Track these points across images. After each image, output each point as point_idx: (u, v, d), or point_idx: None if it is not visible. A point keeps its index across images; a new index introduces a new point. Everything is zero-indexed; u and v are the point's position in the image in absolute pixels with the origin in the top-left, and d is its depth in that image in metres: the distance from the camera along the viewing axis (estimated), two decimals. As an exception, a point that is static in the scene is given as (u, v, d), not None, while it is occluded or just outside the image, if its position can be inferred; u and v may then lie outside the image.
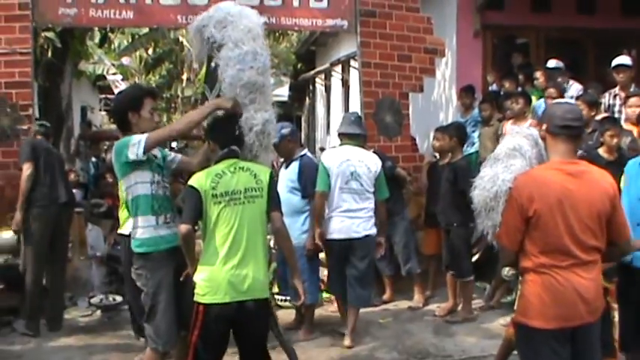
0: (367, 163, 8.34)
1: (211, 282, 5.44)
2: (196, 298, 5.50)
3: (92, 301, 9.53)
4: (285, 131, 8.32)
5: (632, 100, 9.22)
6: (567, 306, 4.36)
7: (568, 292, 4.35)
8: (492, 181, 4.95)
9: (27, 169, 8.58)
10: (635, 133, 8.77)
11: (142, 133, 5.85)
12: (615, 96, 10.26)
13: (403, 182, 9.93)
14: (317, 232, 8.26)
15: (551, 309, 4.36)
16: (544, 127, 4.61)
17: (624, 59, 10.60)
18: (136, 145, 5.72)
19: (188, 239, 5.54)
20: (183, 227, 5.48)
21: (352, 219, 8.16)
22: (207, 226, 5.52)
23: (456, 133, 9.38)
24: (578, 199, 4.36)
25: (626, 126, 8.90)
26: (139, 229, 5.91)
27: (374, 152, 9.03)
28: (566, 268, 4.36)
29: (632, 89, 10.16)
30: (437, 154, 9.92)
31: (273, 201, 5.65)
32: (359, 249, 8.20)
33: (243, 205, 5.49)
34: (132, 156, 5.74)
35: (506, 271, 7.67)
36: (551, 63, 11.54)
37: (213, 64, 6.61)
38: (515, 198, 4.47)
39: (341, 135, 8.64)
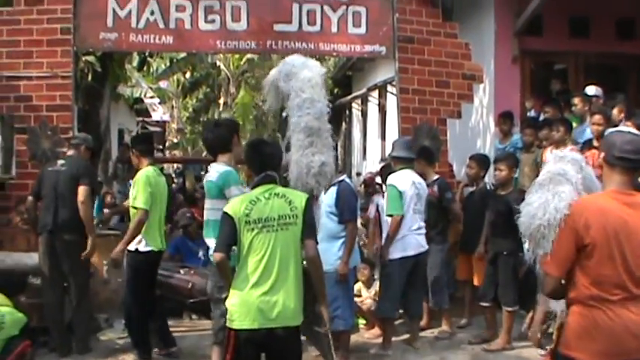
0: (424, 185, 8.98)
1: (241, 307, 5.45)
2: (227, 323, 5.56)
3: (128, 322, 9.56)
4: None
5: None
6: (616, 342, 4.18)
7: (617, 328, 4.17)
8: (543, 208, 4.85)
9: (28, 202, 9.03)
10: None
11: (237, 155, 6.96)
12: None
13: (454, 217, 9.84)
14: (385, 252, 8.71)
15: (598, 344, 4.20)
16: (602, 155, 4.52)
17: (594, 90, 10.52)
18: (239, 190, 6.54)
19: (221, 266, 5.64)
20: (217, 255, 5.56)
21: (420, 235, 8.84)
22: (241, 252, 5.53)
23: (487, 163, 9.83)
24: (634, 230, 4.21)
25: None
26: None
27: (438, 181, 9.63)
28: (617, 302, 4.18)
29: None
30: (472, 182, 10.00)
31: (308, 228, 5.61)
32: (425, 260, 8.99)
33: (277, 232, 5.48)
34: (234, 192, 6.50)
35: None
36: (590, 90, 11.42)
37: (284, 114, 7.04)
38: (570, 225, 4.31)
39: (400, 159, 8.97)
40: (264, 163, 5.78)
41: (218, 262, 5.58)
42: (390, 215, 8.71)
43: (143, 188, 8.19)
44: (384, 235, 8.98)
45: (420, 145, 10.17)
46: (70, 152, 9.05)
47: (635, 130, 4.94)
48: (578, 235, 4.23)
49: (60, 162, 8.90)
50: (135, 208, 8.24)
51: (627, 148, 4.32)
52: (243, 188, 6.64)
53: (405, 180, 8.73)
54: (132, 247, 8.18)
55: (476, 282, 9.65)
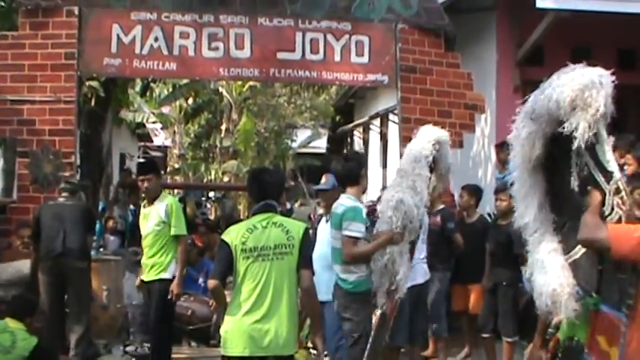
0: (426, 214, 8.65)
1: (233, 334, 5.50)
2: (221, 350, 5.62)
3: (127, 349, 9.55)
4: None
5: None
6: None
7: None
8: None
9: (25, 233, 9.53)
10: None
11: (364, 188, 7.49)
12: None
13: (457, 246, 9.78)
14: None
15: None
16: None
17: None
18: (358, 228, 7.00)
19: (216, 293, 5.73)
20: (211, 282, 5.65)
21: (426, 264, 8.72)
22: (236, 280, 5.58)
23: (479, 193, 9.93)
24: None
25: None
26: (353, 273, 7.05)
27: (442, 210, 9.60)
28: None
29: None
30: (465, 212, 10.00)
31: (304, 259, 5.63)
32: (428, 288, 8.92)
33: (272, 261, 5.50)
34: (353, 228, 6.97)
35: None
36: None
37: None
38: None
39: None
40: (264, 191, 5.81)
41: (212, 289, 5.68)
42: None
43: (181, 215, 8.61)
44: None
45: None
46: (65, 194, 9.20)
47: None
48: None
49: (61, 199, 9.16)
50: (177, 236, 8.43)
51: None
52: (363, 227, 7.05)
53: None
54: (168, 275, 8.37)
55: (472, 310, 9.63)
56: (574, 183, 4.62)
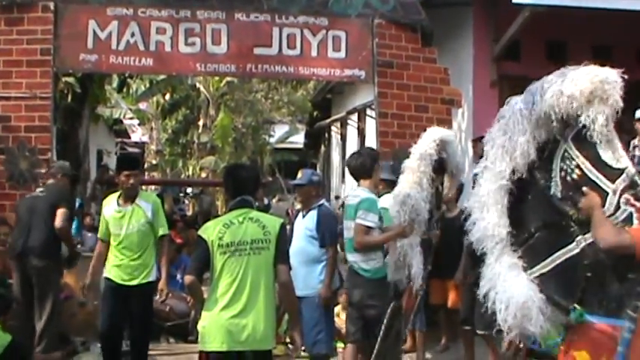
0: None
1: (211, 329, 5.51)
2: (199, 346, 5.65)
3: (104, 346, 9.50)
4: (314, 178, 8.52)
5: None
6: None
7: None
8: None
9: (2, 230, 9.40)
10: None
11: (376, 181, 7.96)
12: (635, 147, 10.23)
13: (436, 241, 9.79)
14: None
15: None
16: None
17: None
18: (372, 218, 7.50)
19: (192, 289, 5.75)
20: (187, 278, 5.65)
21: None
22: (213, 275, 5.60)
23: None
24: None
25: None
26: (373, 260, 7.57)
27: None
28: None
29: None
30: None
31: (281, 253, 5.67)
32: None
33: (249, 256, 5.53)
34: (367, 218, 7.49)
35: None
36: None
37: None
38: None
39: (385, 182, 8.91)
40: (239, 187, 5.85)
41: (188, 285, 5.68)
42: None
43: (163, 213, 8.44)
44: None
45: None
46: (50, 181, 9.09)
47: None
48: None
49: (39, 189, 9.02)
50: (163, 236, 8.25)
51: None
52: (377, 218, 7.56)
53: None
54: (153, 277, 8.16)
55: (450, 304, 9.65)
56: (555, 189, 4.59)
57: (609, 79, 4.51)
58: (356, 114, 19.61)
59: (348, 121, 21.06)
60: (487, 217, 4.84)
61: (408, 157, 9.15)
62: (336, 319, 9.30)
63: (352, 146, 20.74)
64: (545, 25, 11.89)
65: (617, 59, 13.36)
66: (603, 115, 4.41)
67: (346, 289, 9.48)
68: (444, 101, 11.24)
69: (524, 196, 4.81)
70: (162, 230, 8.16)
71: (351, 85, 18.30)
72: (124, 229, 7.96)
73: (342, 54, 10.89)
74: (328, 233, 8.16)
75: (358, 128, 19.87)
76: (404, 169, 7.98)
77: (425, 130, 9.26)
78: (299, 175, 8.44)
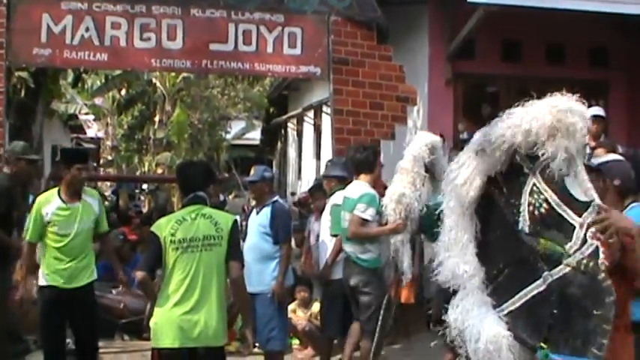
0: None
1: (163, 326, 5.52)
2: (151, 343, 5.64)
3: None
4: (267, 174, 8.47)
5: (598, 151, 9.33)
6: None
7: None
8: None
9: None
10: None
11: (377, 177, 8.44)
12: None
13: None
14: (328, 272, 8.76)
15: None
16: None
17: (599, 110, 10.73)
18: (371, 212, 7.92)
19: (143, 285, 5.76)
20: (139, 274, 5.65)
21: None
22: (165, 271, 5.61)
23: None
24: None
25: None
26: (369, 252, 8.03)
27: None
28: None
29: (601, 139, 10.29)
30: None
31: (233, 250, 5.68)
32: None
33: (201, 252, 5.54)
34: (366, 211, 7.94)
35: None
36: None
37: None
38: None
39: (337, 178, 8.99)
40: (191, 184, 5.88)
41: (139, 281, 5.69)
42: (335, 235, 8.67)
43: None
44: (322, 257, 8.98)
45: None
46: (5, 169, 8.88)
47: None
48: None
49: None
50: (108, 232, 8.10)
51: None
52: (374, 213, 7.94)
53: None
54: (95, 275, 7.75)
55: (405, 301, 9.70)
56: (524, 224, 4.53)
57: (573, 111, 4.37)
58: (312, 111, 19.64)
59: (305, 118, 21.09)
60: (453, 256, 4.71)
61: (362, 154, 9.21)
62: (291, 315, 9.33)
63: (308, 143, 20.79)
64: (500, 24, 12.02)
65: (570, 59, 13.70)
66: (563, 150, 4.36)
67: (303, 288, 9.58)
68: (399, 99, 11.28)
69: (493, 231, 4.71)
70: (105, 226, 7.90)
71: (307, 81, 18.31)
72: (74, 228, 7.37)
73: (297, 51, 10.88)
74: (282, 230, 8.18)
75: (314, 125, 19.91)
76: (397, 170, 7.98)
77: (384, 127, 9.41)
78: (252, 171, 8.45)
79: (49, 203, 7.38)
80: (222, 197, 17.38)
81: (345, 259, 8.31)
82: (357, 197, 8.02)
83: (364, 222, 7.97)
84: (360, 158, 8.31)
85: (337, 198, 8.66)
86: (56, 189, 7.57)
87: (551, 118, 4.34)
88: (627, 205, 5.51)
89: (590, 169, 4.33)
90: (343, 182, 8.84)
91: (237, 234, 5.80)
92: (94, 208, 7.60)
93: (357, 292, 8.13)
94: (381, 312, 8.00)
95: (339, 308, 8.62)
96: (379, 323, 8.00)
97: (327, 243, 8.80)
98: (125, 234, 12.82)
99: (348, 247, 8.19)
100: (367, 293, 8.06)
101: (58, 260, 7.36)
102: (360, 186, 8.18)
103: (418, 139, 8.17)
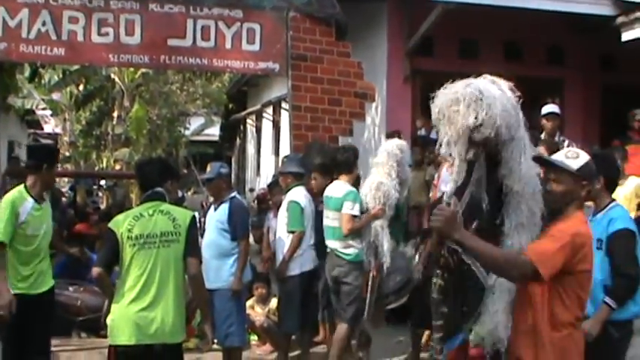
0: (312, 201, 8.93)
1: (119, 322, 5.51)
2: (108, 340, 5.61)
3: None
4: (223, 170, 8.42)
5: (539, 150, 9.52)
6: None
7: None
8: None
9: None
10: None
11: (356, 175, 8.75)
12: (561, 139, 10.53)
13: None
14: (284, 269, 8.71)
15: None
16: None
17: (554, 107, 10.86)
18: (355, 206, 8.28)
19: (99, 281, 5.75)
20: (95, 270, 5.65)
21: (314, 250, 8.88)
22: (122, 268, 5.58)
23: None
24: None
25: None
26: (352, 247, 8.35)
27: None
28: None
29: (556, 137, 10.42)
30: None
31: (191, 246, 5.66)
32: (318, 274, 9.02)
33: (158, 248, 5.53)
34: (350, 206, 8.27)
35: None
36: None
37: None
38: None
39: (294, 175, 8.99)
40: (147, 180, 5.89)
41: (96, 277, 5.67)
42: (292, 231, 8.68)
43: None
44: (278, 253, 8.98)
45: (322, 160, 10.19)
46: None
47: None
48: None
49: None
50: None
51: None
52: (359, 208, 8.31)
53: (305, 197, 8.77)
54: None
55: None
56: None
57: (458, 100, 4.49)
58: (271, 107, 19.66)
59: (264, 114, 21.12)
60: None
61: (322, 150, 9.28)
62: (249, 311, 9.32)
63: (267, 139, 20.79)
64: (458, 21, 12.12)
65: (527, 57, 13.84)
66: (445, 137, 4.49)
67: (261, 284, 9.57)
68: (358, 95, 11.31)
69: None
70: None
71: (266, 77, 18.33)
72: (42, 229, 7.03)
73: (256, 47, 10.86)
74: (240, 226, 8.17)
75: (273, 121, 19.93)
76: (372, 165, 8.65)
77: (342, 123, 9.59)
78: (208, 168, 8.45)
79: (23, 203, 6.84)
80: (180, 193, 17.33)
81: (328, 253, 8.61)
82: (342, 196, 8.36)
83: (354, 218, 8.30)
84: (342, 159, 8.67)
85: (293, 194, 8.69)
86: (22, 187, 6.98)
87: (438, 105, 4.63)
88: (608, 204, 5.78)
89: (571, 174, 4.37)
90: (299, 179, 8.90)
91: (195, 230, 5.78)
92: (49, 207, 7.35)
93: (338, 282, 8.45)
94: (368, 299, 8.45)
95: (296, 304, 8.63)
96: (366, 311, 8.44)
97: (283, 239, 8.80)
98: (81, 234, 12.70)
99: (332, 243, 8.53)
100: (348, 283, 8.39)
101: (24, 265, 6.88)
102: (342, 185, 8.51)
103: (388, 142, 8.93)
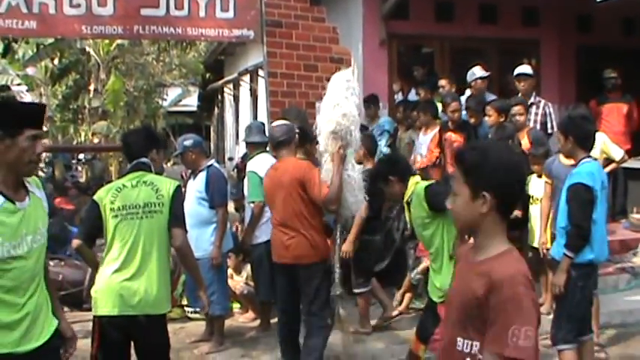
0: None
1: (103, 293, 5.50)
2: (92, 311, 5.60)
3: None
4: (187, 143, 8.40)
5: (515, 109, 9.61)
6: None
7: None
8: None
9: None
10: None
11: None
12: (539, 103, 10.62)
13: None
14: (247, 238, 8.71)
15: None
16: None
17: (526, 68, 10.91)
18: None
19: (82, 252, 5.78)
20: (75, 242, 5.72)
21: None
22: (106, 239, 5.58)
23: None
24: None
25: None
26: None
27: None
28: None
29: (532, 98, 10.46)
30: None
31: (175, 217, 5.63)
32: None
33: (141, 219, 5.51)
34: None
35: (414, 274, 8.04)
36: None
37: None
38: None
39: (254, 144, 8.87)
40: (131, 151, 5.87)
41: (77, 249, 5.71)
42: (252, 202, 8.60)
43: None
44: (247, 223, 8.96)
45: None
46: None
47: None
48: None
49: None
50: None
51: None
52: None
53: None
54: None
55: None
56: None
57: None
58: (248, 75, 19.59)
59: (241, 83, 21.04)
60: None
61: (299, 116, 9.20)
62: (229, 280, 9.32)
63: (245, 107, 20.75)
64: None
65: (502, 18, 13.83)
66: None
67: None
68: (334, 60, 11.24)
69: None
70: None
71: (242, 46, 18.24)
72: (26, 244, 3.91)
73: (230, 14, 10.75)
74: (217, 194, 8.17)
75: (251, 89, 19.88)
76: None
77: (318, 89, 9.45)
78: (176, 143, 8.44)
79: None
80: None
81: None
82: None
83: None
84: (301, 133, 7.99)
85: (252, 164, 8.58)
86: None
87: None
88: (580, 160, 6.45)
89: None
90: (262, 147, 8.79)
91: (179, 200, 5.75)
92: (43, 204, 4.38)
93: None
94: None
95: (266, 271, 8.46)
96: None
97: (248, 209, 8.80)
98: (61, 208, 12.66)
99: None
100: None
101: (5, 306, 4.05)
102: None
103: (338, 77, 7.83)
